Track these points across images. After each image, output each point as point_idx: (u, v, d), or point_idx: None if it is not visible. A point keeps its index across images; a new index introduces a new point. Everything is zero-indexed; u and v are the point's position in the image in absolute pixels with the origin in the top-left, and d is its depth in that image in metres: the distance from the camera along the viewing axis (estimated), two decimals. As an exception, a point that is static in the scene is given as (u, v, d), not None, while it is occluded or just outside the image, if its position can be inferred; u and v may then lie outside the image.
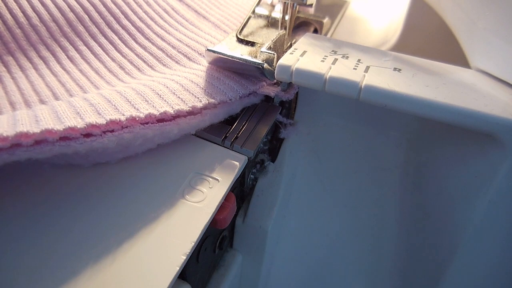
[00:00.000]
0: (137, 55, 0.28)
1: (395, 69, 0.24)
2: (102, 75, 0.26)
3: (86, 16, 0.28)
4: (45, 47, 0.27)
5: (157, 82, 0.24)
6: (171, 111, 0.22)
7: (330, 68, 0.23)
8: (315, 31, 0.32)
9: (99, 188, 0.21)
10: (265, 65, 0.25)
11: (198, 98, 0.23)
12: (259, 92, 0.26)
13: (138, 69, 0.27)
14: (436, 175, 0.27)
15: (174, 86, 0.24)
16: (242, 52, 0.26)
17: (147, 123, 0.21)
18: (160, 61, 0.28)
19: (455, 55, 0.28)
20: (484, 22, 0.25)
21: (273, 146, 0.31)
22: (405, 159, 0.29)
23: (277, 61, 0.24)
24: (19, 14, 0.26)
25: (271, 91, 0.25)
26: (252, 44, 0.28)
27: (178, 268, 0.17)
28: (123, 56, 0.28)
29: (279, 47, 0.27)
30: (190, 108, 0.22)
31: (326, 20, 0.32)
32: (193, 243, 0.18)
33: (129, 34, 0.28)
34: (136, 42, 0.28)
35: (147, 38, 0.29)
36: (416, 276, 0.29)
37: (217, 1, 0.35)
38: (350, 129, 0.30)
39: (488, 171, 0.22)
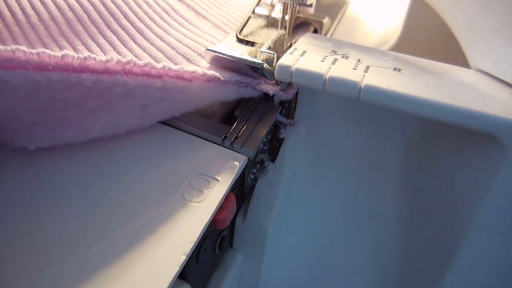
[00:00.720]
0: (136, 56, 0.28)
1: (395, 69, 0.24)
2: None
3: (86, 16, 0.27)
4: (43, 46, 0.26)
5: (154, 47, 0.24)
6: (157, 65, 0.22)
7: (330, 68, 0.23)
8: (315, 31, 0.32)
9: (98, 188, 0.21)
10: (265, 65, 0.25)
11: (188, 59, 0.23)
12: (258, 88, 0.26)
13: None
14: (436, 175, 0.27)
15: (170, 52, 0.24)
16: (242, 52, 0.26)
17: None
18: (159, 62, 0.28)
19: (455, 55, 0.28)
20: (484, 22, 0.25)
21: (273, 146, 0.31)
22: (405, 159, 0.29)
23: (277, 61, 0.24)
24: (18, 12, 0.26)
25: (270, 89, 0.25)
26: (252, 44, 0.28)
27: (178, 268, 0.17)
28: (122, 57, 0.28)
29: (279, 47, 0.27)
30: (178, 68, 0.22)
31: (326, 20, 0.32)
32: (193, 243, 0.18)
33: (128, 34, 0.28)
34: (135, 42, 0.28)
35: (147, 39, 0.29)
36: (416, 276, 0.29)
37: (217, 1, 0.35)
38: (350, 129, 0.30)
39: (488, 171, 0.22)
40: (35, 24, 0.26)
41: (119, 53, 0.28)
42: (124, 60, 0.20)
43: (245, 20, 0.30)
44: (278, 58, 0.24)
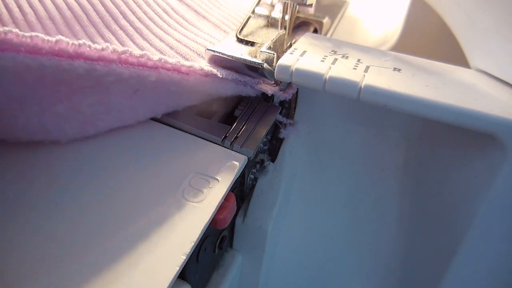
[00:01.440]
0: None
1: (395, 69, 0.24)
2: None
3: (84, 16, 0.27)
4: None
5: (153, 48, 0.24)
6: (153, 57, 0.21)
7: (330, 68, 0.23)
8: (315, 31, 0.32)
9: (98, 188, 0.21)
10: (265, 65, 0.25)
11: (186, 59, 0.23)
12: (257, 88, 0.26)
13: None
14: (436, 175, 0.27)
15: (169, 52, 0.24)
16: (242, 52, 0.26)
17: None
18: None
19: (455, 55, 0.28)
20: (484, 22, 0.25)
21: (273, 146, 0.31)
22: (405, 159, 0.29)
23: (277, 61, 0.24)
24: (15, 10, 0.26)
25: (269, 89, 0.25)
26: (252, 44, 0.28)
27: (178, 268, 0.17)
28: None
29: (279, 47, 0.27)
30: (174, 62, 0.22)
31: (326, 20, 0.32)
32: (193, 243, 0.18)
33: (127, 34, 0.28)
34: (134, 42, 0.28)
35: (145, 39, 0.28)
36: (416, 276, 0.29)
37: (217, 1, 0.35)
38: (350, 129, 0.30)
39: (488, 171, 0.22)
40: (32, 22, 0.26)
41: None
42: (120, 49, 0.20)
43: (245, 20, 0.30)
44: (278, 58, 0.24)
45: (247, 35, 0.29)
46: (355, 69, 0.23)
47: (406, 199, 0.29)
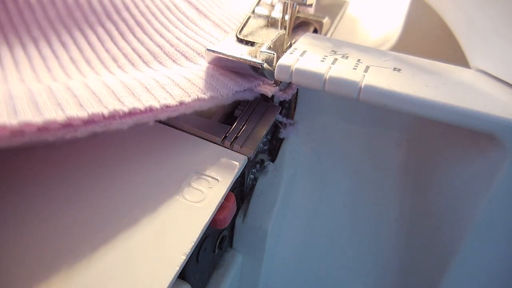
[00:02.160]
0: (133, 49, 0.27)
1: (395, 69, 0.24)
2: (93, 66, 0.25)
3: (86, 3, 0.27)
4: (37, 26, 0.26)
5: (148, 76, 0.24)
6: (157, 105, 0.21)
7: (330, 68, 0.23)
8: (315, 31, 0.32)
9: (97, 188, 0.21)
10: (265, 65, 0.25)
11: (187, 93, 0.23)
12: (256, 90, 0.26)
13: (132, 64, 0.27)
14: (436, 175, 0.27)
15: (164, 81, 0.23)
16: (242, 52, 0.26)
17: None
18: (156, 57, 0.27)
19: (455, 55, 0.28)
20: (484, 22, 0.25)
21: (273, 146, 0.31)
22: (405, 159, 0.29)
23: (277, 61, 0.24)
24: None
25: (268, 90, 0.25)
26: (252, 44, 0.28)
27: (178, 268, 0.17)
28: (118, 48, 0.27)
29: (279, 47, 0.27)
30: (178, 103, 0.22)
31: (326, 20, 0.32)
32: (193, 243, 0.18)
33: (128, 27, 0.28)
34: (134, 36, 0.28)
35: (146, 33, 0.28)
36: (416, 276, 0.29)
37: (218, 0, 0.35)
38: (350, 129, 0.30)
39: (488, 171, 0.22)
40: (33, 4, 0.25)
41: (116, 44, 0.27)
42: (126, 108, 0.20)
43: (245, 20, 0.30)
44: (278, 58, 0.24)
45: (247, 35, 0.29)
46: (355, 69, 0.23)
47: (406, 199, 0.29)
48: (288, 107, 0.30)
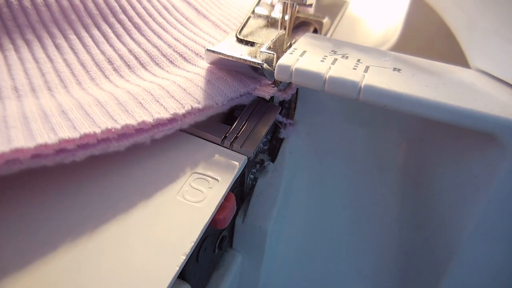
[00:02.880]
0: (129, 50, 0.27)
1: (394, 69, 0.24)
2: (88, 69, 0.25)
3: (81, 6, 0.27)
4: (32, 30, 0.25)
5: (142, 88, 0.24)
6: (150, 120, 0.21)
7: (330, 68, 0.23)
8: (315, 31, 0.32)
9: (97, 188, 0.21)
10: (265, 65, 0.25)
11: (182, 104, 0.23)
12: (254, 94, 0.26)
13: (128, 66, 0.26)
14: (436, 175, 0.27)
15: (158, 93, 0.23)
16: (241, 52, 0.26)
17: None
18: (153, 59, 0.27)
19: (455, 55, 0.28)
20: (484, 22, 0.25)
21: (273, 146, 0.31)
22: (405, 159, 0.29)
23: (276, 61, 0.24)
24: None
25: (266, 93, 0.25)
26: (251, 44, 0.28)
27: (178, 268, 0.17)
28: (114, 50, 0.27)
29: (279, 47, 0.27)
30: (171, 116, 0.22)
31: (326, 20, 0.32)
32: (193, 243, 0.18)
33: (124, 28, 0.28)
34: (131, 37, 0.27)
35: (143, 35, 0.28)
36: (416, 276, 0.29)
37: (218, 1, 0.35)
38: (350, 129, 0.30)
39: (488, 171, 0.22)
40: (27, 8, 0.25)
41: (111, 45, 0.27)
42: (118, 126, 0.20)
43: (245, 20, 0.30)
44: (278, 58, 0.24)
45: (247, 35, 0.29)
46: (355, 69, 0.23)
47: (406, 199, 0.29)
48: (288, 107, 0.30)
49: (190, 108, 0.23)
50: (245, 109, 0.26)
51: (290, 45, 0.28)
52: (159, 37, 0.28)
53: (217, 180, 0.22)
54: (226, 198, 0.22)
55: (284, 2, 0.29)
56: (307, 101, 0.30)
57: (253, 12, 0.32)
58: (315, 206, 0.33)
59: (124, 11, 0.28)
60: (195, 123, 0.24)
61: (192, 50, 0.28)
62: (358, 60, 0.24)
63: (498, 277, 0.25)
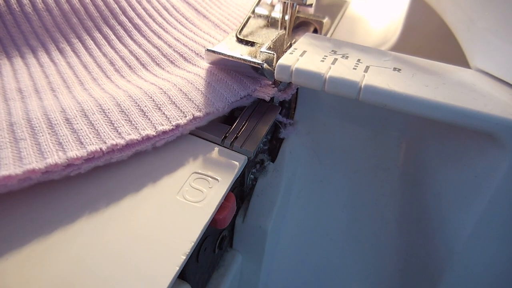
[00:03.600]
0: (130, 51, 0.27)
1: (394, 69, 0.24)
2: (90, 70, 0.26)
3: (82, 9, 0.27)
4: (35, 36, 0.26)
5: (143, 92, 0.24)
6: (153, 133, 0.22)
7: (330, 68, 0.23)
8: (315, 31, 0.32)
9: (98, 188, 0.21)
10: (265, 65, 0.25)
11: (183, 113, 0.23)
12: (254, 95, 0.26)
13: (129, 66, 0.27)
14: (436, 175, 0.27)
15: (160, 99, 0.23)
16: (242, 52, 0.26)
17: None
18: (154, 59, 0.27)
19: (455, 55, 0.28)
20: (484, 22, 0.25)
21: (273, 146, 0.31)
22: (405, 159, 0.29)
23: (276, 61, 0.24)
24: (12, 1, 0.26)
25: (266, 94, 0.25)
26: (252, 44, 0.28)
27: (178, 268, 0.17)
28: (115, 51, 0.27)
29: (279, 47, 0.27)
30: (173, 127, 0.22)
31: (326, 20, 0.32)
32: (193, 243, 0.18)
33: (125, 30, 0.28)
34: (132, 38, 0.27)
35: (143, 36, 0.28)
36: (416, 276, 0.29)
37: (218, 1, 0.35)
38: (350, 129, 0.30)
39: (488, 171, 0.22)
40: (29, 14, 0.26)
41: (113, 47, 0.27)
42: (123, 141, 0.21)
43: (245, 20, 0.30)
44: (278, 58, 0.24)
45: (247, 35, 0.29)
46: (355, 69, 0.23)
47: (406, 198, 0.29)
48: (288, 107, 0.30)
49: (192, 117, 0.23)
50: (245, 109, 0.26)
51: (290, 45, 0.28)
52: (159, 37, 0.28)
53: (217, 180, 0.22)
54: (226, 198, 0.22)
55: (284, 2, 0.29)
56: (307, 101, 0.30)
57: (253, 12, 0.32)
58: (315, 206, 0.33)
59: (124, 13, 0.28)
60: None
61: (192, 50, 0.28)
62: (358, 60, 0.24)
63: (497, 276, 0.25)
